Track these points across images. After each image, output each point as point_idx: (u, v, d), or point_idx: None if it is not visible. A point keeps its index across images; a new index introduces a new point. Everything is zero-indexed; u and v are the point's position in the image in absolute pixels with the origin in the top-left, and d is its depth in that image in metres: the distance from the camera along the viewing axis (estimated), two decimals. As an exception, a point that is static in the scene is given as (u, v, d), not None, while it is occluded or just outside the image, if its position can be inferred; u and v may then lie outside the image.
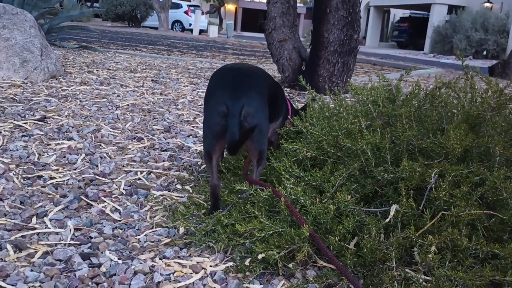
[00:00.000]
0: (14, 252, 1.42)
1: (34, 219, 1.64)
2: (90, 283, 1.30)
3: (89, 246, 1.49)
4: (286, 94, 2.33)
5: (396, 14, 28.26)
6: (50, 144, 2.40)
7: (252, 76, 1.82)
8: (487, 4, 21.09)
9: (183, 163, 2.33)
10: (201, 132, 2.64)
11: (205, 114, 1.74)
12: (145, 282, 1.32)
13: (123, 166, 2.21)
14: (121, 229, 1.62)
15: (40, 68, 4.02)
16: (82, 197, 1.83)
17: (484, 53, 18.15)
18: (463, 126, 1.54)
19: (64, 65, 4.98)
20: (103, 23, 21.55)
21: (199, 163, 2.33)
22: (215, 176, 1.70)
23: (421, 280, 1.25)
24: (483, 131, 1.68)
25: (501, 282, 1.27)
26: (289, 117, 2.10)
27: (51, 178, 1.99)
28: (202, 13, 24.29)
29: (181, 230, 1.62)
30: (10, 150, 2.26)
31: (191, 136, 2.80)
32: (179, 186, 2.03)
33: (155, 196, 1.90)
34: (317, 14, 4.57)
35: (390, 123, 1.80)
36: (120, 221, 1.69)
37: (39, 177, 2.00)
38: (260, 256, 1.38)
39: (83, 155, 2.29)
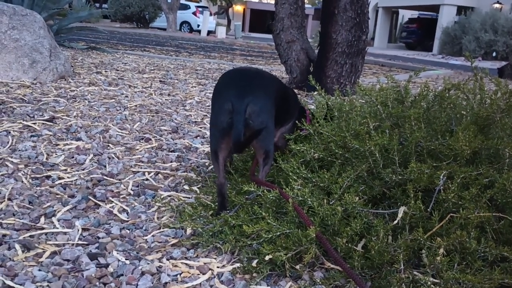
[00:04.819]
0: (23, 251, 1.43)
1: (42, 219, 1.65)
2: (97, 283, 1.30)
3: (96, 246, 1.50)
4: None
5: (405, 15, 28.14)
6: (58, 145, 2.42)
7: (258, 77, 1.82)
8: (497, 5, 20.93)
9: (191, 164, 2.33)
10: (208, 133, 2.65)
11: (211, 113, 1.76)
12: (152, 283, 1.32)
13: (131, 166, 2.22)
14: (128, 229, 1.63)
15: (49, 69, 4.05)
16: (90, 197, 1.84)
17: (494, 54, 17.99)
18: (472, 128, 1.53)
19: (72, 65, 5.01)
20: (112, 24, 21.68)
21: (206, 164, 2.33)
22: (222, 175, 1.70)
23: (429, 283, 1.24)
24: (492, 133, 1.67)
25: (510, 286, 1.26)
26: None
27: (60, 178, 2.01)
28: (210, 14, 24.33)
29: (189, 230, 1.62)
30: (19, 150, 2.28)
31: (198, 137, 2.81)
32: (186, 187, 2.03)
33: (162, 196, 1.91)
34: (325, 15, 4.56)
35: (399, 124, 1.79)
36: (127, 221, 1.69)
37: (48, 177, 2.01)
38: (267, 258, 1.37)
39: (91, 155, 2.30)
